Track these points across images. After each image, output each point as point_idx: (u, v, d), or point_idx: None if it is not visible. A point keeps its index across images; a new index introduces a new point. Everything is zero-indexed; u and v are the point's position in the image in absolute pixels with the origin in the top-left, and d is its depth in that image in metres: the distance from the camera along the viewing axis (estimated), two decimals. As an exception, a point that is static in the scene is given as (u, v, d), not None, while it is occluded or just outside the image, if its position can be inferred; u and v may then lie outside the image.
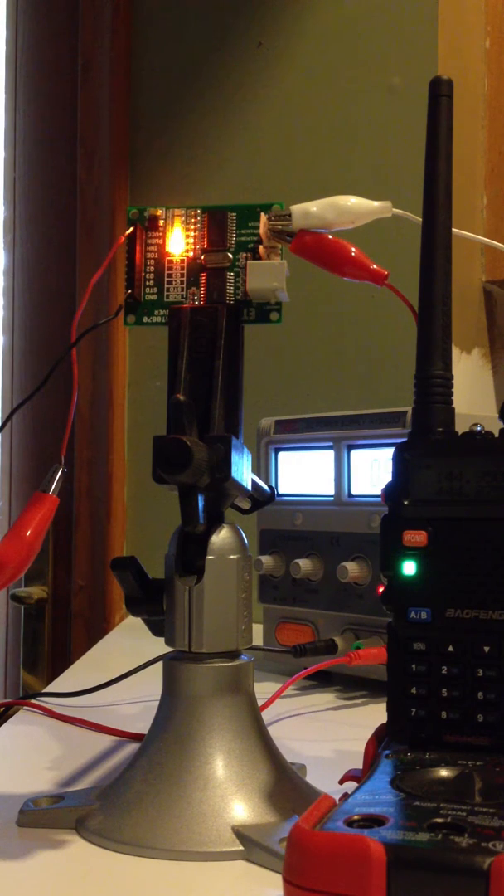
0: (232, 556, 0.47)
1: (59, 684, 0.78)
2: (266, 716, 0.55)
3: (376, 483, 0.75)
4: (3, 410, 1.40)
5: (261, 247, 0.50)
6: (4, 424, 1.37)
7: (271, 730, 0.49)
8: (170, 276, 0.51)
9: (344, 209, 0.50)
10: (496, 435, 0.43)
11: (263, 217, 0.50)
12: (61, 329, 1.32)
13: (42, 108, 1.38)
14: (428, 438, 0.44)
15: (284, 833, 0.41)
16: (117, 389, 1.26)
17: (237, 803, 0.44)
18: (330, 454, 0.78)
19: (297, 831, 0.32)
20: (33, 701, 0.71)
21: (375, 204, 0.51)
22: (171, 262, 0.51)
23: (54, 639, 1.31)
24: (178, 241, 0.51)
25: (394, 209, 0.51)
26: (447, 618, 0.43)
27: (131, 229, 0.51)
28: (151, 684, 0.58)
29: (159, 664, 0.50)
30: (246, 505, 0.54)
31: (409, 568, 0.43)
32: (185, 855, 0.42)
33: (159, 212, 0.52)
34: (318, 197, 0.50)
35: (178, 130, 1.25)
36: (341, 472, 0.77)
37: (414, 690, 0.43)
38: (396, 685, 0.43)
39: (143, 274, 0.51)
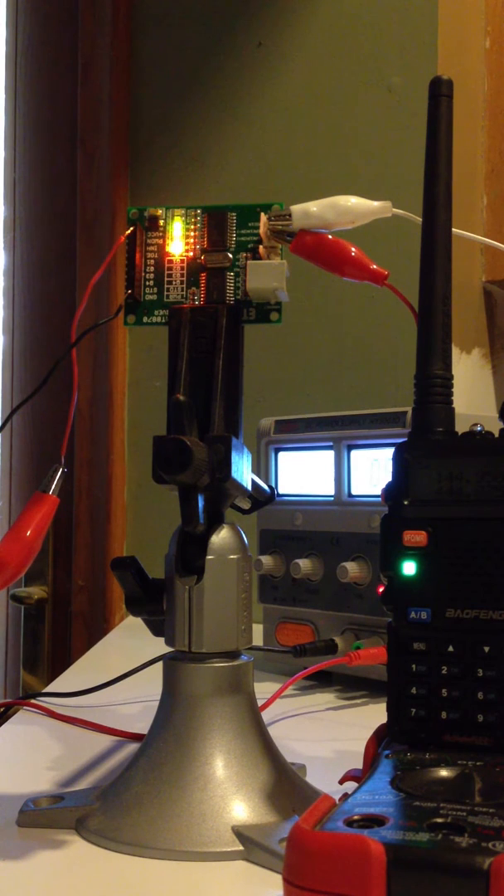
0: (232, 556, 0.47)
1: (59, 684, 0.78)
2: (266, 716, 0.55)
3: (376, 483, 0.75)
4: (3, 410, 1.40)
5: (261, 247, 0.50)
6: (4, 424, 1.37)
7: (271, 730, 0.49)
8: (170, 276, 0.51)
9: (344, 209, 0.50)
10: (496, 435, 0.43)
11: (263, 217, 0.50)
12: (61, 329, 1.32)
13: (42, 108, 1.38)
14: (428, 438, 0.44)
15: (284, 833, 0.41)
16: (117, 389, 1.26)
17: (237, 803, 0.44)
18: (330, 454, 0.78)
19: (297, 831, 0.32)
20: (33, 701, 0.71)
21: (375, 204, 0.51)
22: (171, 262, 0.51)
23: (54, 639, 1.31)
24: (178, 242, 0.51)
25: (394, 209, 0.51)
26: (447, 618, 0.43)
27: (131, 229, 0.51)
28: (151, 684, 0.58)
29: (159, 664, 0.50)
30: (246, 505, 0.54)
31: (409, 568, 0.43)
32: (185, 855, 0.42)
33: (159, 212, 0.52)
34: (318, 197, 0.50)
35: (178, 130, 1.25)
36: (341, 472, 0.77)
37: (414, 690, 0.43)
38: (396, 685, 0.43)
39: (143, 274, 0.51)
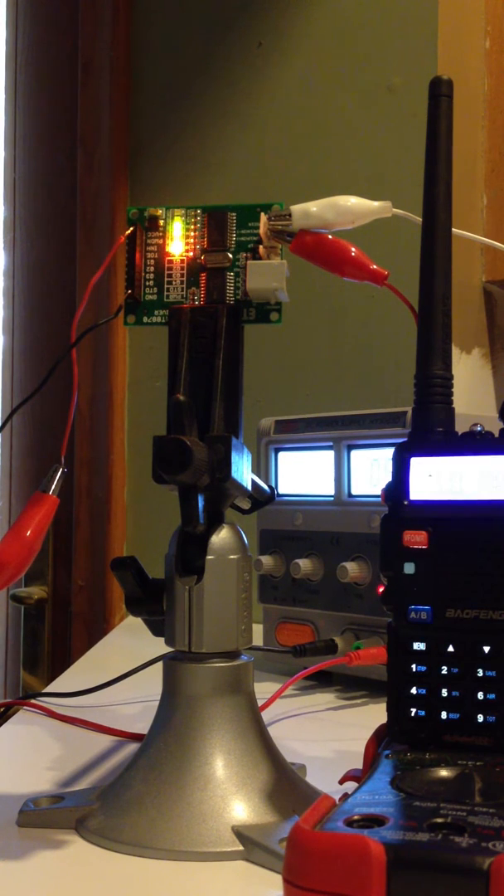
0: (232, 556, 0.47)
1: (59, 684, 0.78)
2: (266, 716, 0.55)
3: (376, 483, 0.75)
4: (3, 410, 1.40)
5: (261, 247, 0.50)
6: (4, 424, 1.37)
7: (271, 730, 0.49)
8: (170, 276, 0.51)
9: (344, 209, 0.50)
10: (496, 435, 0.43)
11: (263, 217, 0.50)
12: (61, 329, 1.32)
13: (42, 108, 1.38)
14: (428, 438, 0.44)
15: (284, 833, 0.41)
16: (117, 389, 1.26)
17: (237, 803, 0.44)
18: (330, 454, 0.78)
19: (297, 831, 0.32)
20: (33, 701, 0.71)
21: (375, 204, 0.51)
22: (171, 262, 0.51)
23: (54, 639, 1.31)
24: (178, 242, 0.51)
25: (394, 209, 0.51)
26: (447, 618, 0.43)
27: (131, 229, 0.51)
28: (151, 684, 0.58)
29: (159, 664, 0.50)
30: (246, 505, 0.54)
31: (409, 568, 0.43)
32: (185, 855, 0.42)
33: (159, 212, 0.52)
34: (318, 197, 0.50)
35: (178, 130, 1.25)
36: (341, 472, 0.77)
37: (414, 690, 0.43)
38: (396, 685, 0.43)
39: (143, 274, 0.51)
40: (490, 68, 1.14)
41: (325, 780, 0.48)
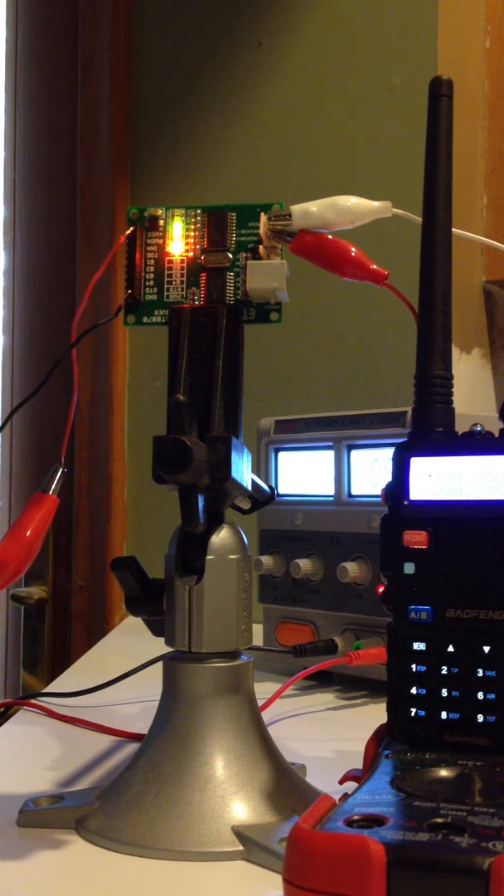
0: (232, 556, 0.47)
1: (59, 684, 0.78)
2: (266, 716, 0.55)
3: (376, 483, 0.75)
4: (3, 410, 1.40)
5: (261, 247, 0.50)
6: (4, 424, 1.37)
7: (271, 730, 0.49)
8: (170, 276, 0.51)
9: (344, 209, 0.50)
10: (496, 435, 0.43)
11: (263, 217, 0.50)
12: (61, 329, 1.32)
13: (42, 108, 1.38)
14: (428, 438, 0.44)
15: (284, 833, 0.41)
16: (117, 389, 1.26)
17: (237, 803, 0.44)
18: (330, 454, 0.78)
19: (297, 831, 0.32)
20: (33, 701, 0.71)
21: (375, 204, 0.51)
22: (171, 262, 0.51)
23: (54, 639, 1.31)
24: (178, 242, 0.51)
25: (394, 209, 0.51)
26: (447, 618, 0.43)
27: (131, 229, 0.51)
28: (151, 684, 0.58)
29: (159, 664, 0.50)
30: (246, 505, 0.54)
31: (409, 568, 0.43)
32: (185, 855, 0.42)
33: (159, 212, 0.52)
34: (318, 197, 0.50)
35: (178, 130, 1.25)
36: (341, 472, 0.77)
37: (414, 690, 0.43)
38: (396, 685, 0.43)
39: (142, 274, 0.51)
40: (490, 68, 1.14)
41: (325, 780, 0.48)
